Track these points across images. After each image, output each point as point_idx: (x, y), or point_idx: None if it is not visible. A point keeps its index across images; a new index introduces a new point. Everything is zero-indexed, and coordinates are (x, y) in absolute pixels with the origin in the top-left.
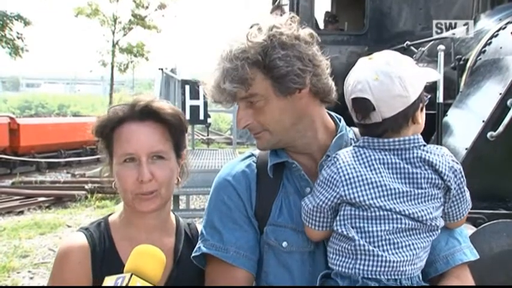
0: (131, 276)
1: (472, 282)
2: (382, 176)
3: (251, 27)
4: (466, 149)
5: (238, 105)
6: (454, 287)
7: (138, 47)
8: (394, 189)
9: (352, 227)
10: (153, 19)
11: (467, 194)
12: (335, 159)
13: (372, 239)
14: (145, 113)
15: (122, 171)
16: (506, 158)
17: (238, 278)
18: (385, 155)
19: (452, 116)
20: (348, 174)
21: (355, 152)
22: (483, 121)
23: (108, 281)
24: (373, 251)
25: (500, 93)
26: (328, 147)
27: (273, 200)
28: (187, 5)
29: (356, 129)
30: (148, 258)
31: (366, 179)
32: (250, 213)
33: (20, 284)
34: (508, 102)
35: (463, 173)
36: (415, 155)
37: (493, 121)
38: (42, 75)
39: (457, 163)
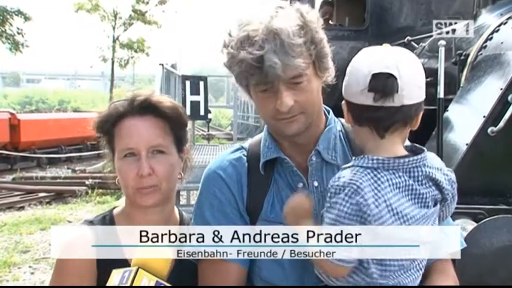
0: (137, 270)
1: (454, 276)
2: (404, 205)
3: (277, 11)
4: (467, 144)
5: (279, 87)
6: (451, 287)
7: (138, 43)
8: (414, 216)
9: (372, 260)
10: (154, 14)
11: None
12: (355, 188)
13: (386, 272)
14: (144, 108)
15: (122, 166)
16: (507, 154)
17: (231, 273)
18: (399, 176)
19: (453, 112)
20: (377, 207)
21: (373, 177)
22: (484, 116)
23: (115, 274)
24: (386, 284)
25: (501, 89)
26: (317, 139)
27: (265, 195)
28: (188, 0)
29: (343, 120)
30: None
31: (393, 211)
32: (242, 207)
33: (21, 279)
34: (509, 98)
35: (455, 180)
36: (422, 173)
37: (493, 116)
38: (43, 71)
39: (451, 172)
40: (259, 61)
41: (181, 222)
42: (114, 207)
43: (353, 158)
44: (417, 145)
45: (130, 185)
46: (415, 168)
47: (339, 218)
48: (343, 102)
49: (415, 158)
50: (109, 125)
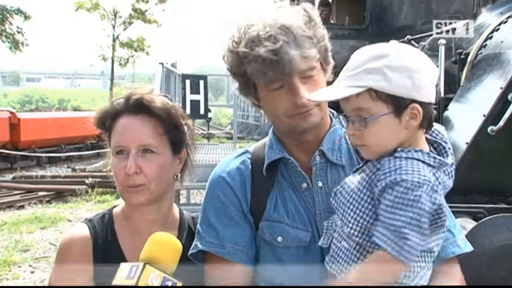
0: (144, 265)
1: (460, 277)
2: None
3: (278, 10)
4: (467, 143)
5: (294, 81)
6: (455, 287)
7: (138, 42)
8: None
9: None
10: (154, 13)
11: None
12: (431, 186)
13: (414, 273)
14: (138, 107)
15: (114, 163)
16: (507, 153)
17: (236, 274)
18: (447, 178)
19: (453, 110)
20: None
21: (434, 175)
22: (484, 115)
23: (124, 267)
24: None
25: (501, 88)
26: (322, 140)
27: (268, 196)
28: None
29: None
30: (164, 247)
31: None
32: (246, 209)
33: (20, 278)
34: (509, 97)
35: None
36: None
37: (493, 115)
38: (43, 70)
39: None
40: (276, 54)
41: (181, 221)
42: (114, 206)
43: (407, 149)
44: None
45: (120, 182)
46: (449, 169)
47: (419, 217)
48: (415, 104)
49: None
50: (108, 121)
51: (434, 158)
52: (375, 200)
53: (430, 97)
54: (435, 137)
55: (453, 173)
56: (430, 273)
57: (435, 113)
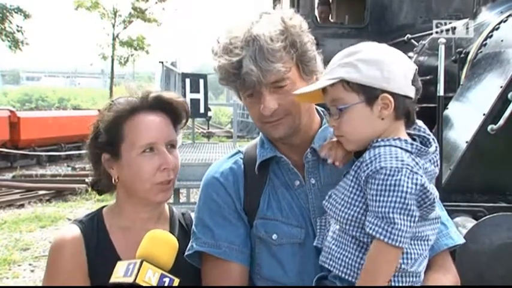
0: (142, 262)
1: (454, 270)
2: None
3: (260, 16)
4: (467, 142)
5: (261, 91)
6: (455, 287)
7: (138, 40)
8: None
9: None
10: (154, 12)
11: None
12: (410, 168)
13: (411, 260)
14: (156, 104)
15: (142, 162)
16: (507, 151)
17: (233, 273)
18: (427, 163)
19: (453, 109)
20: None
21: (413, 161)
22: (484, 114)
23: (120, 266)
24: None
25: (501, 86)
26: (313, 139)
27: (261, 195)
28: None
29: None
30: (160, 244)
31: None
32: (239, 207)
33: (20, 277)
34: (509, 95)
35: None
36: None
37: (493, 114)
38: (43, 69)
39: None
40: (236, 67)
41: (172, 217)
42: (103, 207)
43: (386, 138)
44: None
45: (150, 180)
46: (435, 158)
47: (403, 200)
48: (385, 94)
49: (435, 150)
50: (119, 123)
51: (412, 144)
52: (363, 191)
53: (404, 90)
54: (418, 131)
55: (438, 161)
56: (426, 263)
57: (416, 109)
